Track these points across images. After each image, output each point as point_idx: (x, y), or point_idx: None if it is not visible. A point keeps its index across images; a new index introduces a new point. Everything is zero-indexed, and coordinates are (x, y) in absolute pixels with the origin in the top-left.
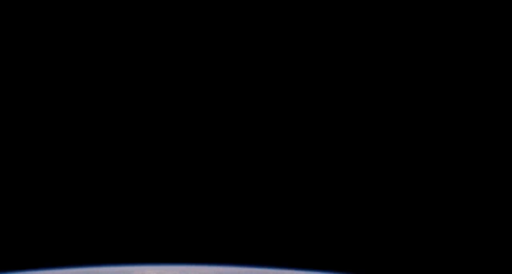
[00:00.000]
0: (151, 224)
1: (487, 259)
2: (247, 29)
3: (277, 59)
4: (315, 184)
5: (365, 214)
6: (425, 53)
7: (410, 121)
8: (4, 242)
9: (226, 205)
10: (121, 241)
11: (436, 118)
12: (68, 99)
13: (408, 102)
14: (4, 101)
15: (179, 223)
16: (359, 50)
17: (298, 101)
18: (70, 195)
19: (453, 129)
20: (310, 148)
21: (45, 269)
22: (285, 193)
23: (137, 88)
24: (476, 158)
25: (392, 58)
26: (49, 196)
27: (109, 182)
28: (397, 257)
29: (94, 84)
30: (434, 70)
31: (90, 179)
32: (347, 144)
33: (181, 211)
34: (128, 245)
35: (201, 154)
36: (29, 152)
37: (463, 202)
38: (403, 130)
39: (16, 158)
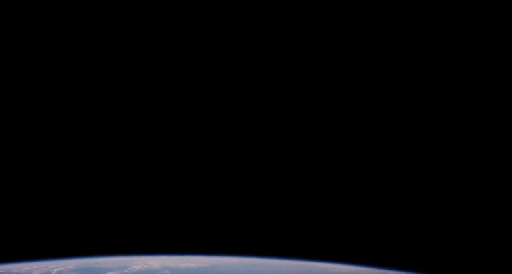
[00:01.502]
0: (153, 216)
1: None
2: (247, 30)
3: (277, 61)
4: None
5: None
6: (425, 54)
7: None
8: (12, 233)
9: (229, 199)
10: (123, 232)
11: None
12: (68, 99)
13: (408, 103)
14: (4, 101)
15: (180, 215)
16: (359, 51)
17: (298, 101)
18: (74, 190)
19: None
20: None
21: (48, 259)
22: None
23: (137, 89)
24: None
25: (392, 59)
26: (53, 192)
27: (111, 178)
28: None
29: (94, 84)
30: (434, 70)
31: (92, 175)
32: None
33: (183, 203)
34: (130, 236)
35: (205, 154)
36: (32, 151)
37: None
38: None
39: (18, 158)
